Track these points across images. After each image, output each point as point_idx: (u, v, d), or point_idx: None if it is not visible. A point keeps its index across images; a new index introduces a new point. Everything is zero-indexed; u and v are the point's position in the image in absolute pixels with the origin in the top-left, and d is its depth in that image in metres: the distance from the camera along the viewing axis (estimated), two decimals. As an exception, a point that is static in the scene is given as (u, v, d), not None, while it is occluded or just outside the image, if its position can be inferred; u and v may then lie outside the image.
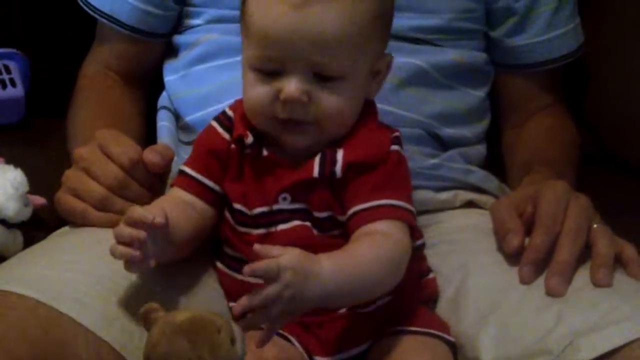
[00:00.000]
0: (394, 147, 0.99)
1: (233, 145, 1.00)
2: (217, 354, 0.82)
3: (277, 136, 0.98)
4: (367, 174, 0.96)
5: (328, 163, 0.96)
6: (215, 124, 1.02)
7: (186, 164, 1.03)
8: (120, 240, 0.90)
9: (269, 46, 0.94)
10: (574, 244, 0.99)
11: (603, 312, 0.94)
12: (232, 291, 1.02)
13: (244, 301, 0.84)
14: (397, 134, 1.00)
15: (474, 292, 1.04)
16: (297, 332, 0.99)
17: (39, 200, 1.16)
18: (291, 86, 0.93)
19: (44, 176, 1.17)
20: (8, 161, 1.19)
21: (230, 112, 1.02)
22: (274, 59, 0.94)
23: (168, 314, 0.86)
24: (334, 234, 0.98)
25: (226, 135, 1.01)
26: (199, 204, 1.01)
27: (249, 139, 0.98)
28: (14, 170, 1.14)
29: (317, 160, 0.97)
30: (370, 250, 0.93)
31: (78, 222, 1.05)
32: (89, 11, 1.29)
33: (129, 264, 0.91)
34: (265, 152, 0.98)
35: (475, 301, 1.03)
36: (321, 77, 0.94)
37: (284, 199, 0.98)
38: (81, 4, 1.30)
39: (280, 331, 0.98)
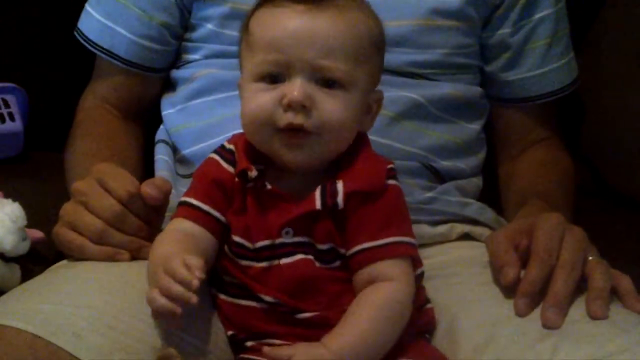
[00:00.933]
0: (392, 181, 1.00)
1: (237, 179, 1.00)
2: None
3: (276, 155, 0.98)
4: (369, 206, 0.97)
5: (329, 194, 0.97)
6: (216, 157, 1.03)
7: (188, 195, 1.02)
8: (166, 294, 0.91)
9: (275, 49, 0.96)
10: (569, 277, 1.00)
11: (599, 345, 0.94)
12: (235, 317, 1.02)
13: None
14: (391, 165, 1.01)
15: (469, 324, 1.03)
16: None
17: (37, 234, 1.17)
18: (295, 89, 0.95)
19: (42, 210, 1.17)
20: (6, 195, 1.19)
21: (230, 146, 1.03)
22: (279, 63, 0.96)
23: None
24: (335, 265, 0.99)
25: (230, 169, 1.01)
26: (205, 234, 1.00)
27: (253, 172, 0.99)
28: (11, 204, 1.14)
29: (318, 192, 0.97)
30: (374, 317, 0.94)
31: (76, 255, 1.05)
32: (88, 46, 1.30)
33: (169, 318, 0.92)
34: (268, 186, 0.99)
35: (471, 334, 1.02)
36: (324, 84, 0.96)
37: (287, 233, 0.98)
38: (80, 38, 1.31)
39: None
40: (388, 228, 0.97)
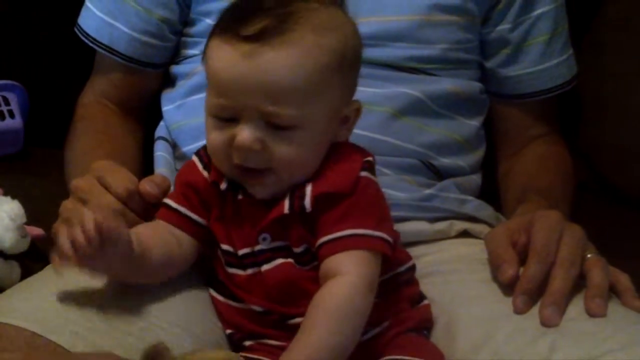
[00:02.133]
0: (365, 174, 0.97)
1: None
2: None
3: (240, 183, 0.98)
4: (334, 205, 0.95)
5: (297, 198, 0.96)
6: (195, 159, 1.02)
7: (169, 196, 1.03)
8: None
9: (222, 94, 0.93)
10: (567, 274, 1.00)
11: (597, 342, 0.94)
12: (231, 318, 1.02)
13: None
14: (369, 158, 0.99)
15: (468, 321, 1.04)
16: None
17: (37, 231, 1.17)
18: (243, 134, 0.92)
19: (41, 207, 1.17)
20: (6, 192, 1.19)
21: None
22: (227, 107, 0.93)
23: (180, 356, 0.82)
24: (314, 265, 0.97)
25: (205, 173, 1.01)
26: (183, 236, 1.01)
27: (223, 185, 0.98)
28: (11, 201, 1.15)
29: (287, 197, 0.96)
30: (327, 321, 0.91)
31: (75, 253, 1.05)
32: (88, 42, 1.30)
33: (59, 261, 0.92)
34: (240, 196, 0.98)
35: (469, 331, 1.03)
36: (274, 126, 0.93)
37: (264, 239, 0.98)
38: (80, 34, 1.31)
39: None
40: (345, 221, 0.94)
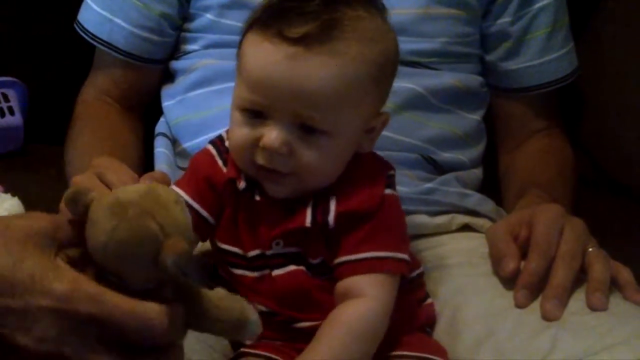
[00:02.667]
0: (388, 191, 0.96)
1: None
2: (181, 231, 0.73)
3: (258, 181, 0.96)
4: (359, 224, 0.94)
5: (320, 212, 0.95)
6: (213, 151, 1.00)
7: (180, 185, 1.00)
8: None
9: (257, 91, 0.92)
10: (569, 268, 1.00)
11: (598, 336, 0.94)
12: None
13: None
14: (391, 172, 0.98)
15: (470, 316, 1.04)
16: (292, 355, 0.99)
17: (37, 227, 1.17)
18: (272, 135, 0.91)
19: (42, 203, 1.16)
20: (6, 189, 1.19)
21: (228, 142, 1.00)
22: (260, 104, 0.92)
23: (108, 194, 0.75)
24: (328, 277, 0.97)
25: (224, 169, 0.99)
26: None
27: (241, 184, 0.97)
28: (11, 199, 1.15)
29: (309, 209, 0.95)
30: (343, 337, 0.92)
31: (75, 249, 1.05)
32: (87, 38, 1.30)
33: None
34: (257, 197, 0.97)
35: (471, 326, 1.03)
36: (305, 129, 0.92)
37: (277, 244, 0.97)
38: (79, 30, 1.31)
39: (273, 355, 0.98)
40: (369, 242, 0.93)
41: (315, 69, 0.90)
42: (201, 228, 0.98)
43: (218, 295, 0.78)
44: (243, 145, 0.94)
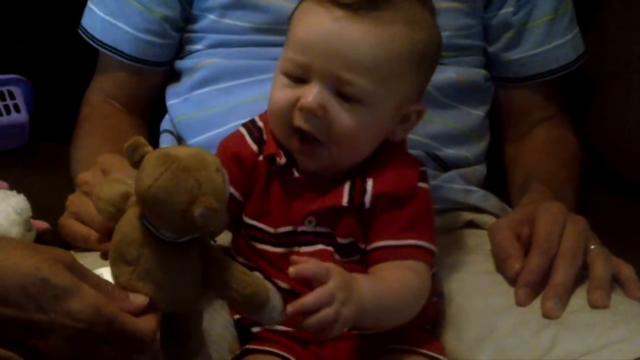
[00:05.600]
0: (422, 184, 0.99)
1: (261, 157, 0.99)
2: (217, 193, 0.81)
3: (291, 152, 0.98)
4: (396, 209, 0.96)
5: (357, 193, 0.96)
6: (244, 131, 1.02)
7: None
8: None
9: (301, 51, 0.95)
10: (570, 266, 1.00)
11: (599, 334, 0.94)
12: None
13: (299, 304, 0.85)
14: (423, 168, 1.00)
15: (471, 314, 1.04)
16: (298, 351, 1.00)
17: (43, 225, 1.17)
18: (310, 95, 0.94)
19: (47, 201, 1.17)
20: (12, 186, 1.19)
21: (260, 123, 1.02)
22: (302, 65, 0.95)
23: (162, 148, 0.84)
24: (354, 259, 0.98)
25: (254, 147, 1.00)
26: None
27: (282, 159, 0.98)
28: (17, 196, 1.15)
29: (346, 188, 0.97)
30: (401, 281, 0.94)
31: (81, 246, 1.05)
32: (92, 43, 1.31)
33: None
34: (296, 174, 0.98)
35: (473, 323, 1.03)
36: (342, 96, 0.94)
37: (310, 222, 0.98)
38: (83, 36, 1.31)
39: (280, 351, 0.99)
40: (411, 230, 0.96)
41: (357, 33, 0.93)
42: (230, 206, 0.98)
43: (243, 269, 0.85)
44: (281, 107, 0.96)
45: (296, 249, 0.99)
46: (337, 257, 0.98)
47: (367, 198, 0.96)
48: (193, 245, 0.83)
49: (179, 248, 0.83)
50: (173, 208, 0.79)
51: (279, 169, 0.98)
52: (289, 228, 0.99)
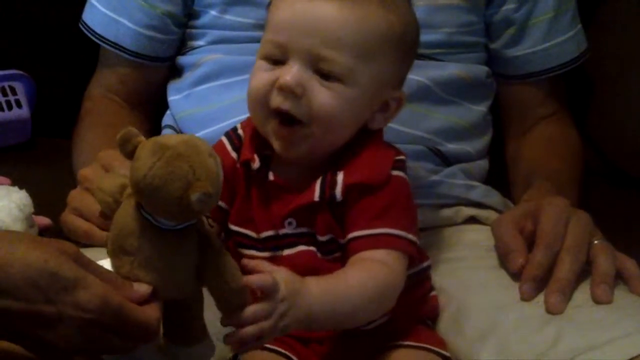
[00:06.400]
0: (397, 172, 0.97)
1: (238, 166, 1.00)
2: (211, 178, 0.81)
3: (270, 141, 0.97)
4: (368, 198, 0.95)
5: (327, 186, 0.96)
6: (225, 140, 1.02)
7: None
8: None
9: (278, 32, 0.95)
10: (574, 261, 1.00)
11: (603, 329, 0.94)
12: None
13: (236, 318, 0.84)
14: (401, 157, 0.99)
15: (474, 309, 1.04)
16: (297, 349, 1.00)
17: (44, 220, 1.17)
18: (288, 74, 0.93)
19: (49, 196, 1.18)
20: (14, 181, 1.19)
21: (240, 131, 1.02)
22: (279, 45, 0.94)
23: (153, 138, 0.84)
24: (336, 256, 0.98)
25: (234, 154, 1.01)
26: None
27: (256, 164, 0.98)
28: (19, 191, 1.15)
29: (317, 183, 0.96)
30: (360, 277, 0.92)
31: (83, 241, 1.06)
32: (93, 38, 1.31)
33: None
34: (271, 177, 0.98)
35: (475, 318, 1.03)
36: (322, 74, 0.94)
37: (290, 223, 0.98)
38: (85, 31, 1.31)
39: (279, 349, 0.99)
40: (383, 218, 0.94)
41: (334, 9, 0.94)
42: (217, 216, 1.00)
43: (237, 266, 0.85)
44: (260, 89, 0.96)
45: (279, 252, 0.99)
46: (319, 256, 0.98)
47: (338, 190, 0.95)
48: (191, 231, 0.84)
49: (177, 235, 0.83)
50: (169, 195, 0.80)
51: (254, 174, 0.98)
52: (271, 232, 0.99)
